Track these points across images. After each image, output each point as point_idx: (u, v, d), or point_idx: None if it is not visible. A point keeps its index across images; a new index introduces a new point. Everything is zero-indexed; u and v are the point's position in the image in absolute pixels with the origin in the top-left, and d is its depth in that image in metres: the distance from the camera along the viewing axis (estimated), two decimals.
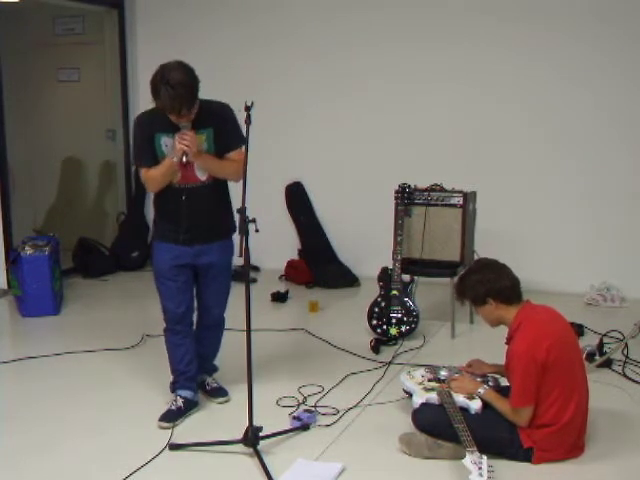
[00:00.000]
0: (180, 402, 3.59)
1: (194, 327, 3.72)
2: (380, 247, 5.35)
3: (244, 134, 3.33)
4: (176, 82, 3.18)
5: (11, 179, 6.20)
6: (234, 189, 3.50)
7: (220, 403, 3.76)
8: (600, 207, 5.68)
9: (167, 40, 6.51)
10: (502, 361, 3.24)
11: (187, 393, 3.64)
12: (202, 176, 3.48)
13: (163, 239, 3.56)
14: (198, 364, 3.76)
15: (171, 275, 3.53)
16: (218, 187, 3.56)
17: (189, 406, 3.62)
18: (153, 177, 3.45)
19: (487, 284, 3.18)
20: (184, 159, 3.30)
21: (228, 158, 3.49)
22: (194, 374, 3.70)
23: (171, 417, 3.52)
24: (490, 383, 3.33)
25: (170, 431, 3.40)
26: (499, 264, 3.28)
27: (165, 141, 3.40)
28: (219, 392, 3.82)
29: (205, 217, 3.52)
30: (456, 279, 3.74)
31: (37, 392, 3.96)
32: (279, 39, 6.37)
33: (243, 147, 3.39)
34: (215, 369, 3.94)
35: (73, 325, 5.17)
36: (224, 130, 3.46)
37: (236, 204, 3.09)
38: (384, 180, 5.43)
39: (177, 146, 3.30)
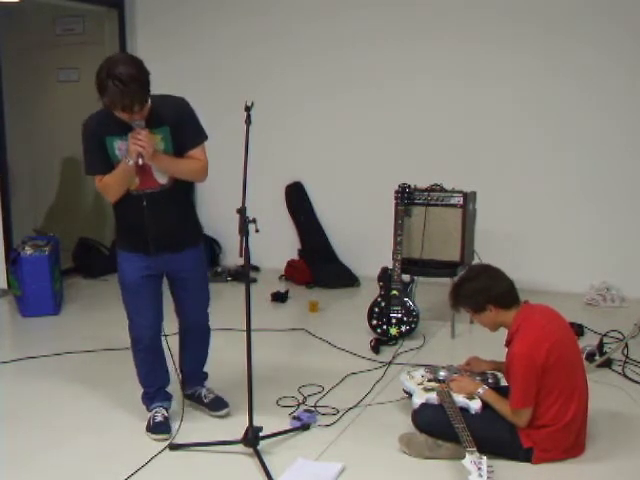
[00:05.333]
0: (163, 414, 3.45)
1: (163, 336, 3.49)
2: (380, 247, 5.35)
3: (204, 129, 3.21)
4: (126, 76, 2.89)
5: (11, 179, 6.20)
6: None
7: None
8: (600, 207, 5.67)
9: (167, 40, 6.47)
10: (501, 360, 3.25)
11: (167, 404, 3.53)
12: (162, 179, 3.20)
13: (129, 249, 3.29)
14: (188, 376, 3.64)
15: (141, 284, 3.29)
16: (180, 190, 3.27)
17: (169, 410, 3.51)
18: (109, 185, 3.15)
19: (486, 291, 3.15)
20: (139, 161, 3.02)
21: (190, 157, 3.21)
22: (166, 384, 3.56)
23: (164, 428, 3.38)
24: (490, 381, 3.33)
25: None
26: (493, 268, 3.26)
27: (119, 145, 3.12)
28: (219, 404, 3.59)
29: (170, 224, 3.25)
30: (455, 279, 3.72)
31: (37, 392, 3.96)
32: (278, 39, 6.37)
33: (205, 143, 3.23)
34: (205, 376, 3.73)
35: (73, 325, 5.17)
36: (182, 127, 3.16)
37: (236, 204, 3.05)
38: (384, 180, 5.43)
39: (130, 147, 3.02)
